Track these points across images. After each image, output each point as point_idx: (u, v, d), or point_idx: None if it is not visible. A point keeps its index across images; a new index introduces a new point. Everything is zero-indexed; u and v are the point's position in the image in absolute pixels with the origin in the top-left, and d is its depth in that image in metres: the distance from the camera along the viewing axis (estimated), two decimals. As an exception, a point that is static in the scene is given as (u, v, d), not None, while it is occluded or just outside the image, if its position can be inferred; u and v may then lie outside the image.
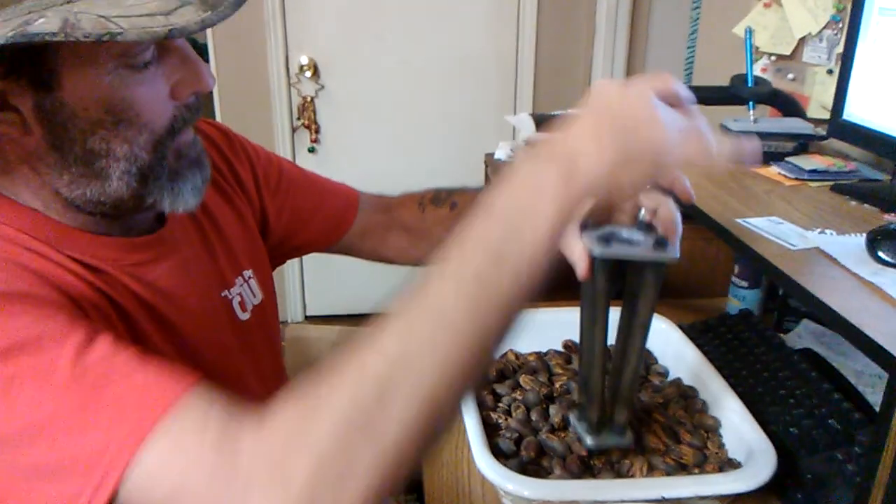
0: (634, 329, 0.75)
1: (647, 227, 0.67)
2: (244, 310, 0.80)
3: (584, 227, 0.64)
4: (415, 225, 0.99)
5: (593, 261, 0.64)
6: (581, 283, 0.69)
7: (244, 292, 0.81)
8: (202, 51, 2.56)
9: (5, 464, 0.51)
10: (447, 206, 0.97)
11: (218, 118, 2.53)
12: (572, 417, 0.84)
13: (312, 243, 0.97)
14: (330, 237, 0.97)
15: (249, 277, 0.83)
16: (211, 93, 2.51)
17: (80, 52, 0.54)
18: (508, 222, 0.49)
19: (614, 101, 0.53)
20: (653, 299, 0.72)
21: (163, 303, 0.67)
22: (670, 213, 0.67)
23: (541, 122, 1.75)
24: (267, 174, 0.90)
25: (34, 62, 0.54)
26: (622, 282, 0.75)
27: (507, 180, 0.51)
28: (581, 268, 0.62)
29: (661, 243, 0.67)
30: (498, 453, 0.82)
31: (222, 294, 0.78)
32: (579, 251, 0.62)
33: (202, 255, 0.76)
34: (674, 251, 0.67)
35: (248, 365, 0.79)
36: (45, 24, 0.48)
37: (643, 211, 0.68)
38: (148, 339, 0.64)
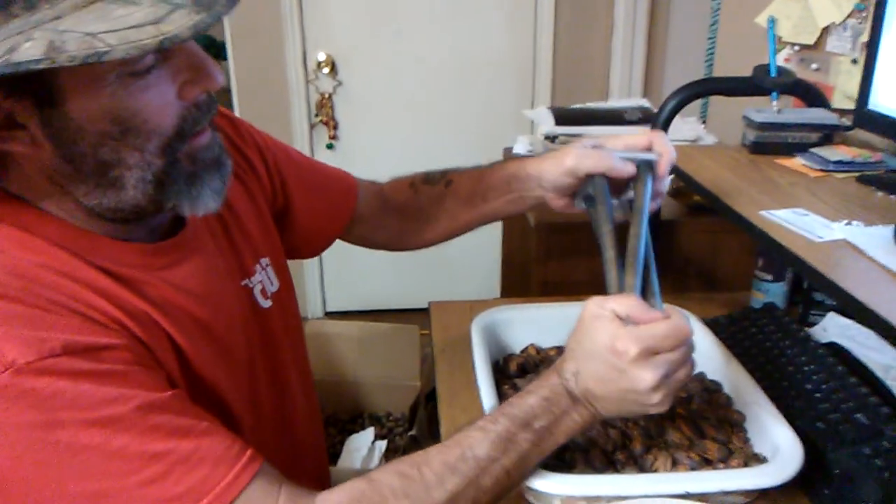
0: (633, 218, 0.79)
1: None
2: (265, 297, 0.81)
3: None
4: (408, 205, 1.00)
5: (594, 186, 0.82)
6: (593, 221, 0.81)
7: (264, 280, 0.81)
8: (220, 48, 2.58)
9: None
10: (441, 184, 0.97)
11: (236, 115, 2.54)
12: None
13: (323, 229, 0.96)
14: (334, 223, 0.97)
15: (267, 265, 0.83)
16: (229, 90, 2.54)
17: (79, 67, 0.52)
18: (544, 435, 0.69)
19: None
20: (643, 192, 0.81)
21: (193, 303, 0.67)
22: (660, 143, 0.84)
23: (559, 115, 1.74)
24: (276, 160, 0.90)
25: (34, 81, 0.53)
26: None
27: (547, 400, 0.68)
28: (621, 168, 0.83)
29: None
30: (520, 448, 0.81)
31: (243, 283, 0.78)
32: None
33: (224, 247, 0.77)
34: (652, 154, 0.84)
35: (269, 353, 0.80)
36: (30, 50, 0.47)
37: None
38: (184, 347, 0.64)
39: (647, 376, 0.64)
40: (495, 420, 0.67)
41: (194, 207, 0.64)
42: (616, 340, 0.64)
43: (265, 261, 0.83)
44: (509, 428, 0.66)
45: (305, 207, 0.93)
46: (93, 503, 0.54)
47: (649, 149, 0.85)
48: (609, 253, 0.75)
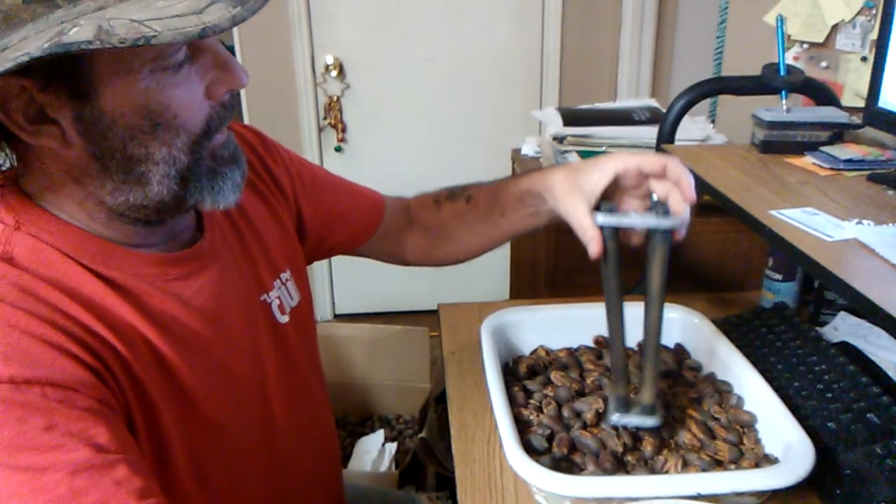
0: (649, 305, 0.79)
1: (658, 209, 0.77)
2: (283, 312, 0.81)
3: (598, 209, 0.78)
4: (432, 222, 1.01)
5: (604, 240, 0.76)
6: (602, 271, 0.78)
7: (282, 295, 0.81)
8: (230, 52, 2.59)
9: None
10: (463, 200, 0.99)
11: (245, 119, 2.55)
12: (609, 397, 0.85)
13: (344, 244, 0.98)
14: (359, 237, 0.99)
15: (287, 280, 0.83)
16: (239, 94, 2.55)
17: (115, 60, 0.54)
18: None
19: None
20: (661, 271, 0.77)
21: (198, 320, 0.67)
22: (679, 200, 0.77)
23: (567, 116, 1.73)
24: (301, 176, 0.91)
25: (71, 73, 0.54)
26: (639, 275, 0.77)
27: None
28: (593, 246, 0.76)
29: (665, 213, 0.76)
30: (530, 450, 0.81)
31: (261, 298, 0.78)
32: (590, 229, 0.76)
33: (241, 261, 0.77)
34: (675, 220, 0.76)
35: (285, 369, 0.80)
36: (80, 33, 0.48)
37: (654, 196, 0.79)
38: (176, 366, 0.64)
39: None
40: None
41: (216, 202, 0.65)
42: None
43: (285, 275, 0.83)
44: None
45: (329, 222, 0.94)
46: None
47: (662, 174, 0.78)
48: (616, 343, 0.80)
